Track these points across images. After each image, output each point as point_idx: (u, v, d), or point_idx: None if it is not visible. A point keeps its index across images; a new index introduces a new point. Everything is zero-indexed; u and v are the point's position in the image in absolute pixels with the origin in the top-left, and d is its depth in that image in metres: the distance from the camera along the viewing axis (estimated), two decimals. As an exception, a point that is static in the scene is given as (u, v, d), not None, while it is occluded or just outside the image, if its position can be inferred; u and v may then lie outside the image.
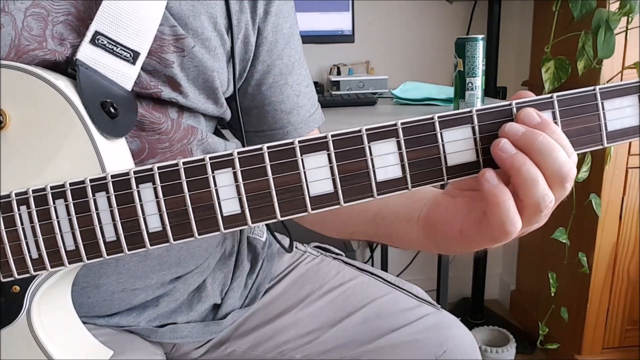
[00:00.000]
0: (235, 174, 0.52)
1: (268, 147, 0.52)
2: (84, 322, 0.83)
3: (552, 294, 2.00)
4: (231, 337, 0.97)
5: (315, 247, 1.12)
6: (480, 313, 2.46)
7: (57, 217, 0.55)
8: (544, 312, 2.10)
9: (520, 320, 2.50)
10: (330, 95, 1.96)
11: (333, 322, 0.95)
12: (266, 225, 1.05)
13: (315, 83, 2.11)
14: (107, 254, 0.54)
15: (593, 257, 1.93)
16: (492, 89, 2.15)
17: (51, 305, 0.61)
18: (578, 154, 0.55)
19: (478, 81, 1.56)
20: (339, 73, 2.17)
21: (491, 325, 2.29)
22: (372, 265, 1.91)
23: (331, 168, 0.53)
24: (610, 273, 1.96)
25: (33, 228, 0.55)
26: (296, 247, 1.10)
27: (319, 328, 0.95)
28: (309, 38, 1.94)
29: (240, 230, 1.04)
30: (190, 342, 0.94)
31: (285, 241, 1.08)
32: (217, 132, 0.94)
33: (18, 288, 0.58)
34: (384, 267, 2.47)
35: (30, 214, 0.55)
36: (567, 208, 1.87)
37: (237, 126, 0.88)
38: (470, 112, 0.53)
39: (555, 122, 0.54)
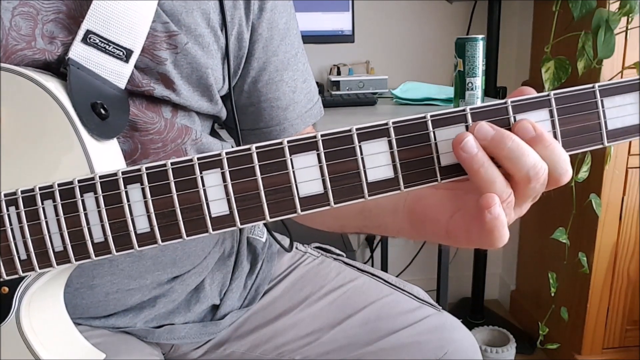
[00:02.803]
0: (223, 174, 0.52)
1: (257, 147, 0.51)
2: (79, 324, 0.83)
3: (552, 294, 2.00)
4: (230, 338, 0.96)
5: (316, 247, 1.11)
6: (480, 313, 2.46)
7: (45, 217, 0.54)
8: (544, 312, 2.09)
9: (520, 320, 2.50)
10: (330, 95, 1.96)
11: (333, 324, 0.95)
12: (266, 226, 1.05)
13: (316, 83, 2.10)
14: (95, 255, 0.54)
15: (593, 257, 1.92)
16: (492, 89, 2.14)
17: (41, 306, 0.61)
18: (578, 154, 0.54)
19: (478, 81, 1.56)
20: (339, 73, 2.17)
21: (491, 325, 2.29)
22: (372, 265, 1.90)
23: (321, 168, 0.52)
24: (610, 273, 1.96)
25: (22, 229, 0.55)
26: (296, 248, 1.09)
27: (319, 329, 0.95)
28: (309, 38, 1.92)
29: (240, 231, 1.03)
30: (188, 343, 0.94)
31: (286, 241, 1.07)
32: (214, 133, 0.94)
33: (7, 289, 0.57)
34: (384, 267, 2.47)
35: (19, 215, 0.55)
36: (567, 208, 1.87)
37: (233, 125, 0.88)
38: (464, 110, 0.52)
39: (553, 121, 0.53)
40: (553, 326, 2.09)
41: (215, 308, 0.96)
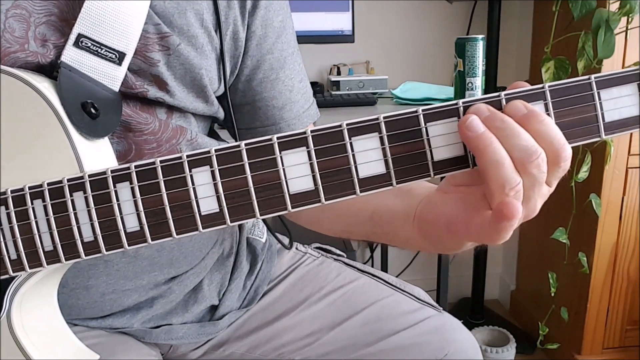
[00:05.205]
0: (213, 172, 0.51)
1: (246, 144, 0.51)
2: (76, 325, 0.83)
3: (552, 294, 1.99)
4: (230, 338, 0.96)
5: (316, 248, 1.11)
6: (480, 313, 2.45)
7: (35, 217, 0.54)
8: (544, 312, 2.09)
9: (520, 320, 2.49)
10: (330, 95, 1.96)
11: (333, 325, 0.95)
12: (265, 223, 1.04)
13: (315, 83, 2.12)
14: (85, 255, 0.54)
15: (593, 257, 1.92)
16: (492, 89, 2.13)
17: (33, 306, 0.61)
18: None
19: (478, 81, 1.56)
20: (339, 73, 2.17)
21: (491, 325, 2.28)
22: (372, 266, 1.90)
23: (311, 165, 0.51)
24: (610, 273, 1.96)
25: (12, 228, 0.54)
26: (296, 249, 1.09)
27: (319, 330, 0.95)
28: (309, 38, 1.94)
29: (240, 231, 1.03)
30: (186, 344, 0.94)
31: (285, 242, 1.07)
32: (213, 133, 0.93)
33: None
34: (384, 268, 2.46)
35: (8, 215, 0.54)
36: (567, 208, 1.87)
37: (231, 124, 0.87)
38: (456, 104, 0.51)
39: (548, 114, 0.51)
40: (553, 326, 2.09)
41: (213, 308, 0.96)
